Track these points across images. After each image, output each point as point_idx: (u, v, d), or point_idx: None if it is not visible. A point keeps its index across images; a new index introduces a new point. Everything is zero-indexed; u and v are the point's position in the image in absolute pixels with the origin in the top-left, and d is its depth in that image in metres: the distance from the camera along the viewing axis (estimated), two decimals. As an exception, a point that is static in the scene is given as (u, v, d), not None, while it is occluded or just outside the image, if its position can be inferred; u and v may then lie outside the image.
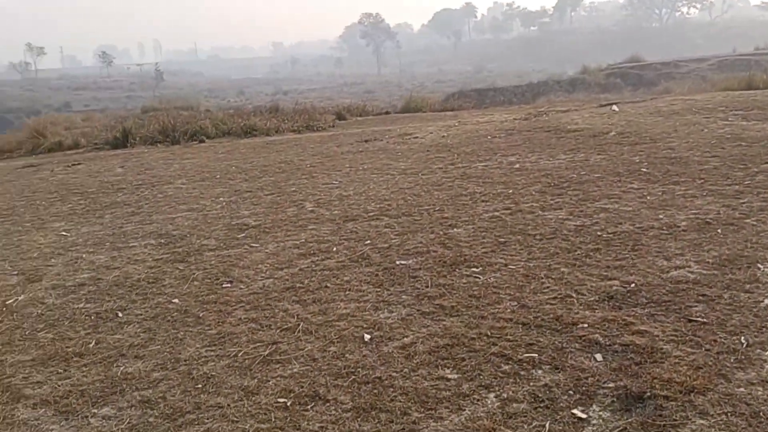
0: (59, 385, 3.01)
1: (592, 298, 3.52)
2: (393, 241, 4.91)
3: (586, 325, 3.19)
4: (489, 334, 3.18)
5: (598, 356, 2.90)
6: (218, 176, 8.53)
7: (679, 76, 31.96)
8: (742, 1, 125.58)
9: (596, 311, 3.35)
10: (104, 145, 13.95)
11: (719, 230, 4.45)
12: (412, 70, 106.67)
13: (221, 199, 7.04)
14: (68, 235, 6.00)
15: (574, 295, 3.57)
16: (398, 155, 9.02)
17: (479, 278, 3.97)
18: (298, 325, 3.50)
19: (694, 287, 3.56)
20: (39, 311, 4.03)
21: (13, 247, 5.70)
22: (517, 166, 7.43)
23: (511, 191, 6.20)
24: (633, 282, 3.69)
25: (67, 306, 4.09)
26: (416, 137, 10.79)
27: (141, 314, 3.86)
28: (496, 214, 5.42)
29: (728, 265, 3.82)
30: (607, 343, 3.01)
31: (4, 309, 4.11)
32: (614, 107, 11.50)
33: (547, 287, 3.72)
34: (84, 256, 5.23)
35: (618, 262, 4.03)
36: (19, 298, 4.29)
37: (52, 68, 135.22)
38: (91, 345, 3.46)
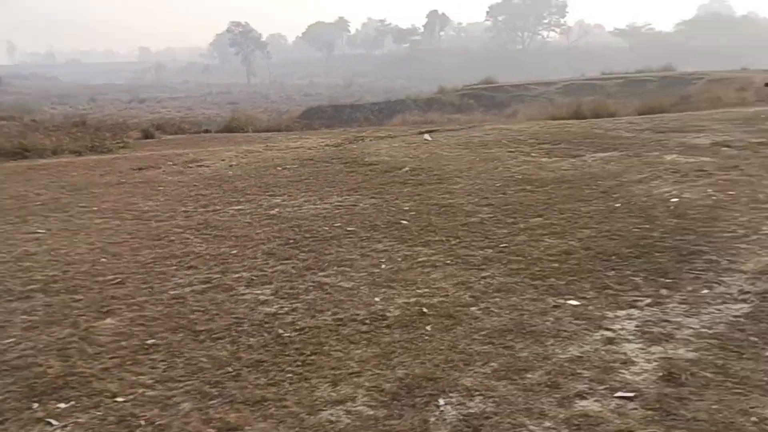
0: None
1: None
2: (8, 341, 3.48)
3: None
4: None
5: None
6: None
7: (529, 99, 32.59)
8: (598, 27, 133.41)
9: None
10: None
11: (429, 327, 3.40)
12: (282, 82, 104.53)
13: None
14: None
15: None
16: (157, 191, 7.56)
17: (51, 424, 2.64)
18: None
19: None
20: None
21: None
22: (275, 212, 6.21)
23: (235, 252, 4.95)
24: (257, 434, 2.51)
25: None
26: (202, 165, 9.38)
27: None
28: (186, 291, 4.13)
29: (404, 397, 2.73)
30: None
31: None
32: (427, 136, 10.66)
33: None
34: None
35: (261, 391, 2.83)
36: None
37: None
38: None
